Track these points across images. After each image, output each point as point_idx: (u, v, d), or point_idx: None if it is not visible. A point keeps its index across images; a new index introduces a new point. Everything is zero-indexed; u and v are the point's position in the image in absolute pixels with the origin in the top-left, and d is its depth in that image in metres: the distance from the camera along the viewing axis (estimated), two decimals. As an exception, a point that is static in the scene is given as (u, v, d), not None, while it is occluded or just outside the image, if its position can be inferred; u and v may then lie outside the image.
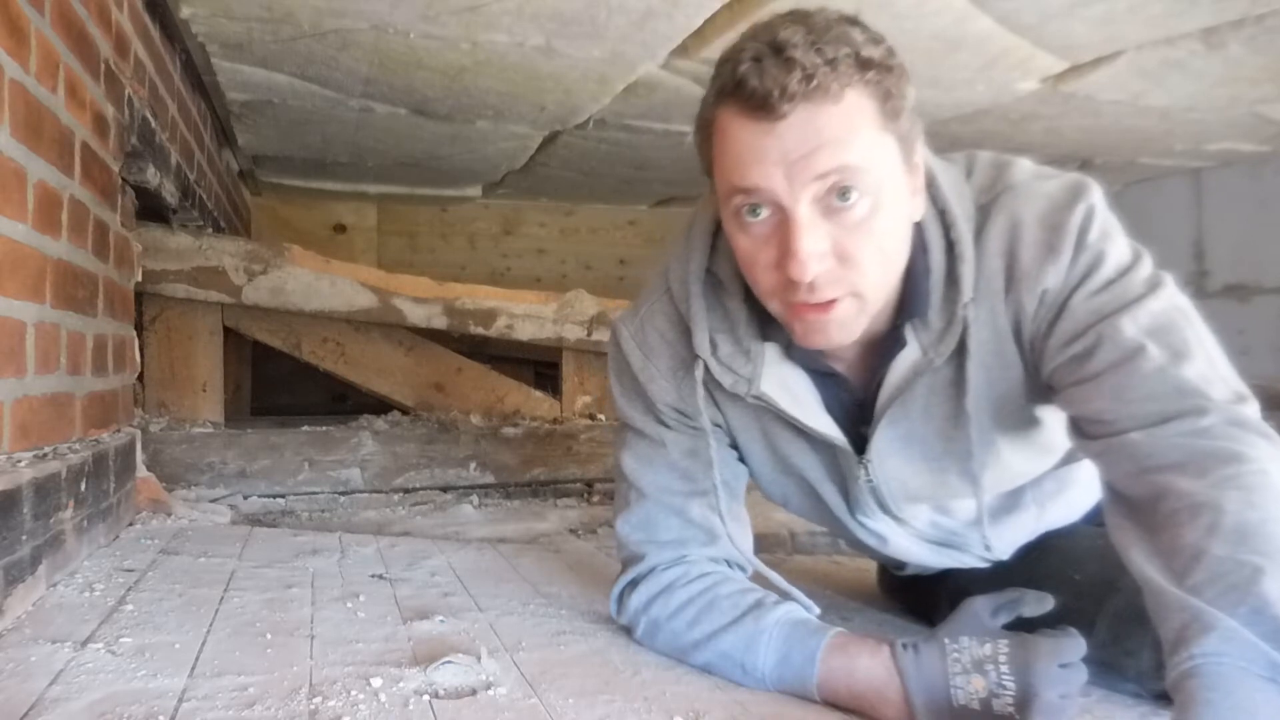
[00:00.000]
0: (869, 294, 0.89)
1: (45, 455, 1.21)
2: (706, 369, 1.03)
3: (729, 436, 1.11)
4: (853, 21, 0.86)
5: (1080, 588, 1.08)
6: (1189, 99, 2.41)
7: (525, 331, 2.43)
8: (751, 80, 0.82)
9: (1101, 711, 1.06)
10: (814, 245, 0.84)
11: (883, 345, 0.98)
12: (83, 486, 1.30)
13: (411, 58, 2.12)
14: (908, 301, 0.96)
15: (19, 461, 1.12)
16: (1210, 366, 0.87)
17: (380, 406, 2.51)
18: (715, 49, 2.01)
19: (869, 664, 0.92)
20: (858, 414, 1.04)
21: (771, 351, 1.02)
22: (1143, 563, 0.81)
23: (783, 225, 0.85)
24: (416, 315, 2.34)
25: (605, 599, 1.34)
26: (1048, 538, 1.18)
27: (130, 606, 1.14)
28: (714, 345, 1.03)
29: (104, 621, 1.08)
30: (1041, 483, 1.13)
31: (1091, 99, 2.44)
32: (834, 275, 0.86)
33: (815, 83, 0.81)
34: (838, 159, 0.83)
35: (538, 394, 2.54)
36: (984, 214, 0.96)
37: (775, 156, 0.83)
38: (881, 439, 1.02)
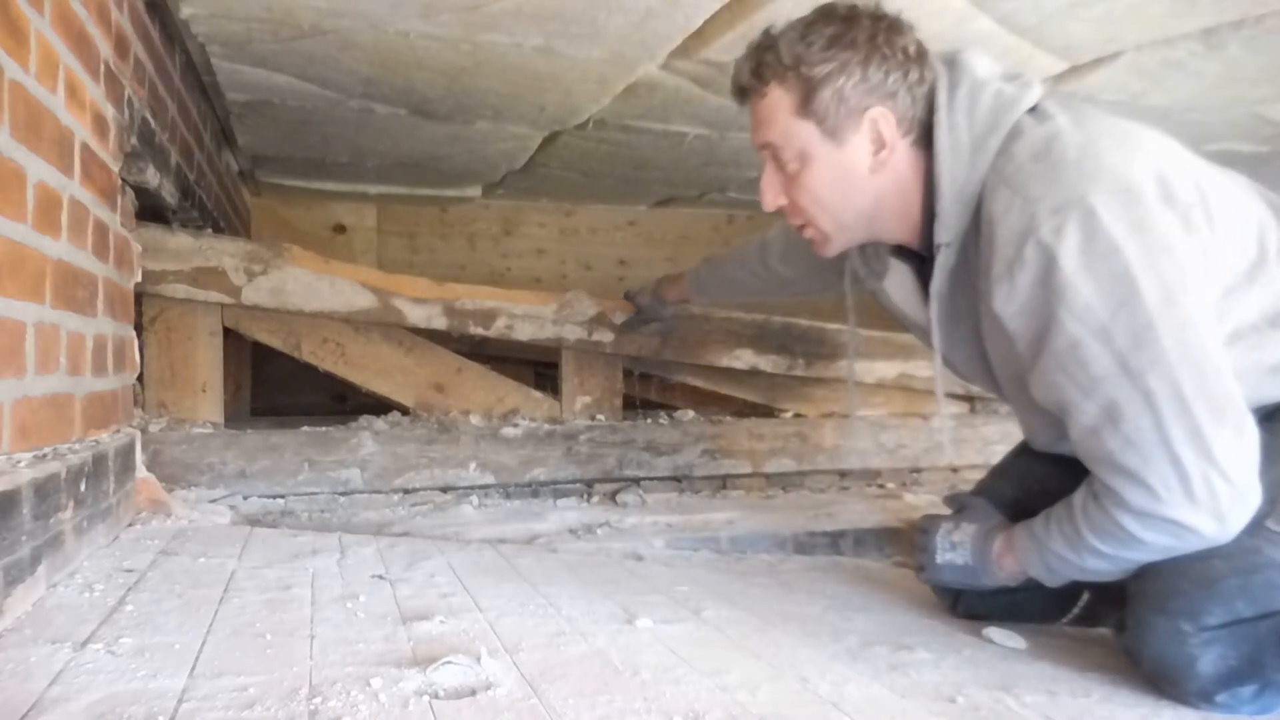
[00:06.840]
0: (822, 226, 1.30)
1: (45, 456, 1.21)
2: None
3: None
4: (817, 20, 1.19)
5: None
6: (1189, 99, 2.41)
7: (525, 332, 2.43)
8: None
9: (1102, 712, 1.06)
10: (766, 186, 1.30)
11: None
12: (82, 487, 1.30)
13: (411, 58, 2.12)
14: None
15: (19, 462, 1.12)
16: None
17: (380, 406, 2.51)
18: (715, 49, 2.00)
19: None
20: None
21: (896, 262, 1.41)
22: None
23: None
24: (416, 316, 2.34)
25: (605, 599, 1.34)
26: None
27: (130, 607, 1.14)
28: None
29: (104, 622, 1.08)
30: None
31: (1091, 100, 2.44)
32: (790, 211, 1.32)
33: (747, 85, 1.25)
34: (763, 136, 1.27)
35: (537, 394, 2.53)
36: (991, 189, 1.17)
37: (751, 128, 1.30)
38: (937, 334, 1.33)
